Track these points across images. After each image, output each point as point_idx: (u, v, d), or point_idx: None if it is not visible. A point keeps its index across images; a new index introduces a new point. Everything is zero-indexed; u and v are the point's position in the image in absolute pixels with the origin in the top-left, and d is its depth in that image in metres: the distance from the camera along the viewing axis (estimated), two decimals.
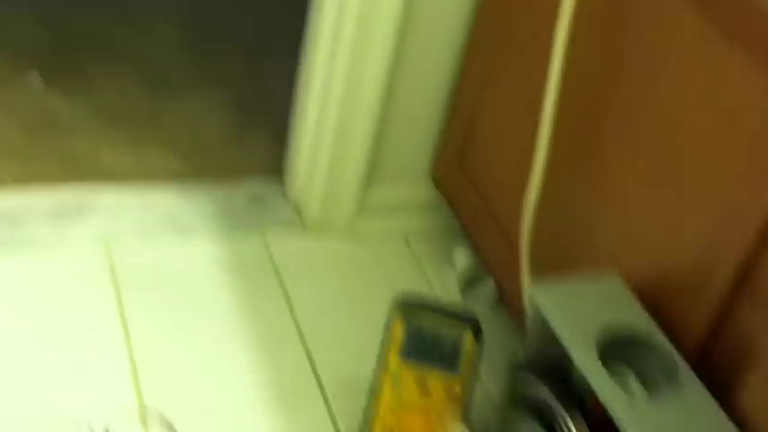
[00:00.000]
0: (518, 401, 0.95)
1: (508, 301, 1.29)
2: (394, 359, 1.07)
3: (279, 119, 1.56)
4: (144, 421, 1.11)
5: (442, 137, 1.45)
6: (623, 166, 1.04)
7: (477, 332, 1.06)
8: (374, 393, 1.08)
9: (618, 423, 0.82)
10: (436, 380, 1.06)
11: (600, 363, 0.86)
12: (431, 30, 1.35)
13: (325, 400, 1.20)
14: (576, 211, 1.12)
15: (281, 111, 1.55)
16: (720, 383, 0.87)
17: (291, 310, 1.32)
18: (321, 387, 1.22)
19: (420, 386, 1.06)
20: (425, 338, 1.06)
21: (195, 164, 1.55)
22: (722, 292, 0.91)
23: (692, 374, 0.88)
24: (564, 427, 0.89)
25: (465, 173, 1.38)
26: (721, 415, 0.84)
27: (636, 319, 0.92)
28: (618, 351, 0.89)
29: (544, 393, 0.92)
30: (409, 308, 1.06)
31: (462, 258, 1.43)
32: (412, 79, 1.39)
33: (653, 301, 0.95)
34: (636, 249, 1.02)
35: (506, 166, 1.27)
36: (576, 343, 0.88)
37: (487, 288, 1.39)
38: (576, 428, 0.89)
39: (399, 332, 1.06)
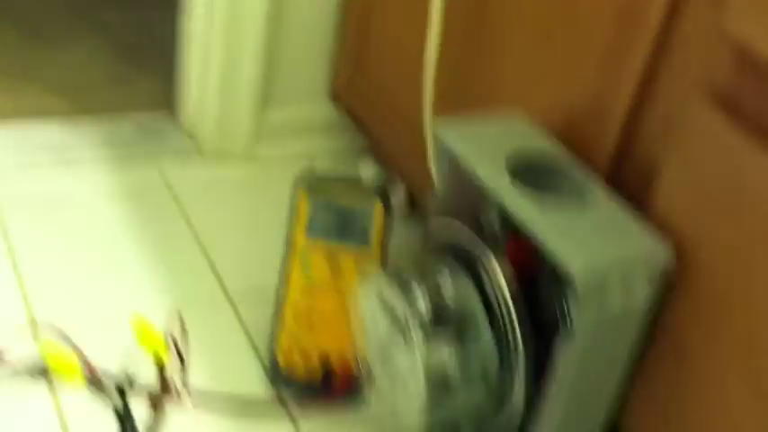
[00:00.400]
0: (435, 250, 0.90)
1: (417, 203, 1.25)
2: (301, 238, 1.00)
3: (165, 62, 1.50)
4: (36, 335, 1.02)
5: (337, 49, 1.40)
6: (517, 17, 1.01)
7: (386, 201, 1.01)
8: (284, 278, 1.01)
9: (533, 234, 0.78)
10: (347, 255, 1.00)
11: (510, 181, 0.82)
12: None
13: (235, 309, 1.13)
14: (476, 70, 1.08)
15: (166, 55, 1.49)
16: (631, 200, 0.85)
17: (192, 228, 1.25)
18: (228, 297, 1.15)
19: (331, 263, 1.00)
20: (333, 212, 1.00)
21: (80, 103, 1.47)
22: (622, 119, 0.88)
23: (603, 189, 0.85)
24: (486, 265, 0.85)
25: (364, 76, 1.34)
26: (636, 218, 0.81)
27: (543, 145, 0.89)
28: (527, 179, 0.85)
29: (462, 236, 0.88)
30: (314, 183, 1.01)
31: (368, 168, 1.38)
32: None
33: (559, 135, 0.93)
34: (539, 92, 0.99)
35: (404, 56, 1.23)
36: (484, 167, 0.84)
37: (395, 194, 1.35)
38: (498, 264, 0.84)
39: (305, 209, 1.00)
